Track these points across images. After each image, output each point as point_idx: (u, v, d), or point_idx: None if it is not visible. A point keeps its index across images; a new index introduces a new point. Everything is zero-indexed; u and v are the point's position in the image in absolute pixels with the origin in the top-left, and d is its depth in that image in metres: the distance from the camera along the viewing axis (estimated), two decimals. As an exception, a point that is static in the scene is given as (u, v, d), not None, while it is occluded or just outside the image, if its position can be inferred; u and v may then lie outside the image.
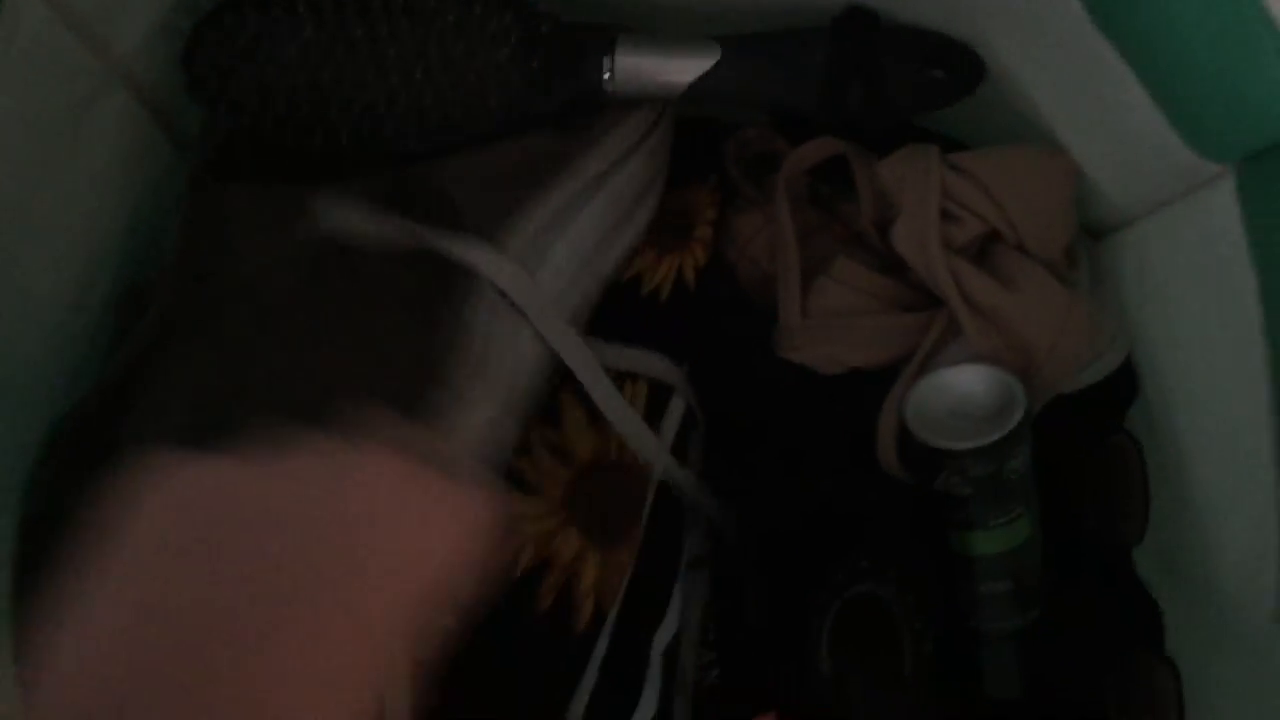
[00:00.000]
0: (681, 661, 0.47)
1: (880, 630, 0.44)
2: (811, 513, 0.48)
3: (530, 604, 0.45)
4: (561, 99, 0.44)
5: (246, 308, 0.42)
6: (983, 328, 0.42)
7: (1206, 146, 0.35)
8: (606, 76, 0.44)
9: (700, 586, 0.49)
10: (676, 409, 0.48)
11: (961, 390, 0.42)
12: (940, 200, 0.42)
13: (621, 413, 0.45)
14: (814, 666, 0.45)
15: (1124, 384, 0.45)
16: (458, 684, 0.43)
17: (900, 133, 0.48)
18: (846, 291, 0.46)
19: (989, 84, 0.43)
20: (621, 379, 0.47)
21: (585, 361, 0.45)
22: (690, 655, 0.48)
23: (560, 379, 0.47)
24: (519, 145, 0.45)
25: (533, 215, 0.45)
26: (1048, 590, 0.46)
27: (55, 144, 0.40)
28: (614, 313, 0.48)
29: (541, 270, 0.45)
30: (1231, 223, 0.35)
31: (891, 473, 0.45)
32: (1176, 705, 0.44)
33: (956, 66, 0.43)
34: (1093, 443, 0.47)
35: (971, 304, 0.42)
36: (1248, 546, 0.37)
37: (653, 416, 0.47)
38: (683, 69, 0.44)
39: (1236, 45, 0.31)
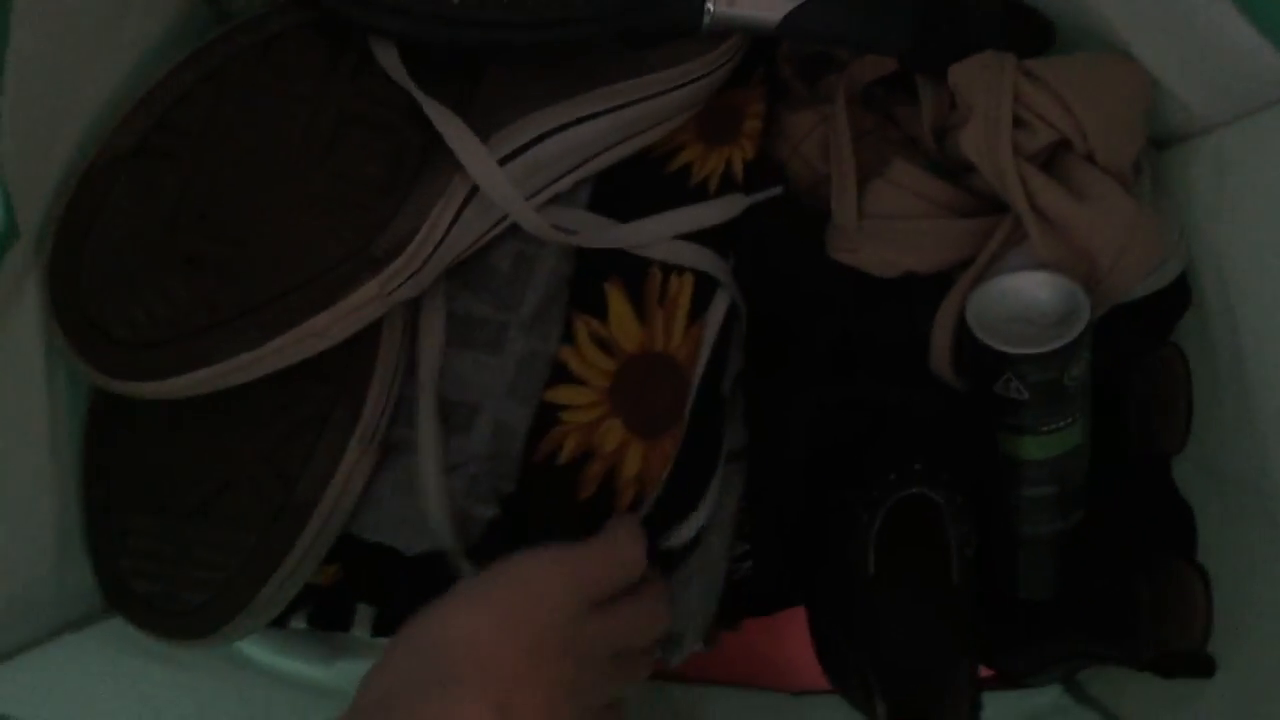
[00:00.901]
0: (711, 550, 0.48)
1: (928, 533, 0.45)
2: (856, 413, 0.48)
3: (573, 492, 0.46)
4: (654, 20, 0.43)
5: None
6: (1049, 236, 0.42)
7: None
8: (710, 4, 0.44)
9: (736, 478, 0.49)
10: (721, 302, 0.48)
11: (1025, 296, 0.42)
12: (1012, 106, 0.42)
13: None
14: (858, 566, 0.45)
15: (1177, 295, 0.45)
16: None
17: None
18: (902, 194, 0.46)
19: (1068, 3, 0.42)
20: (668, 271, 0.47)
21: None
22: (721, 544, 0.48)
23: (606, 271, 0.47)
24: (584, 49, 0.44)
25: (553, 113, 0.44)
26: (1088, 496, 0.47)
27: (111, 19, 0.39)
28: (661, 201, 0.48)
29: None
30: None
31: (943, 377, 0.46)
32: (1206, 608, 0.45)
33: (1033, 24, 0.45)
34: (1141, 352, 0.47)
35: (1039, 212, 0.42)
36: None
37: (697, 309, 0.47)
38: (779, 3, 0.44)
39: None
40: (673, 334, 0.47)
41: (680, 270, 0.47)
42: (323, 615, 0.46)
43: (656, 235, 0.47)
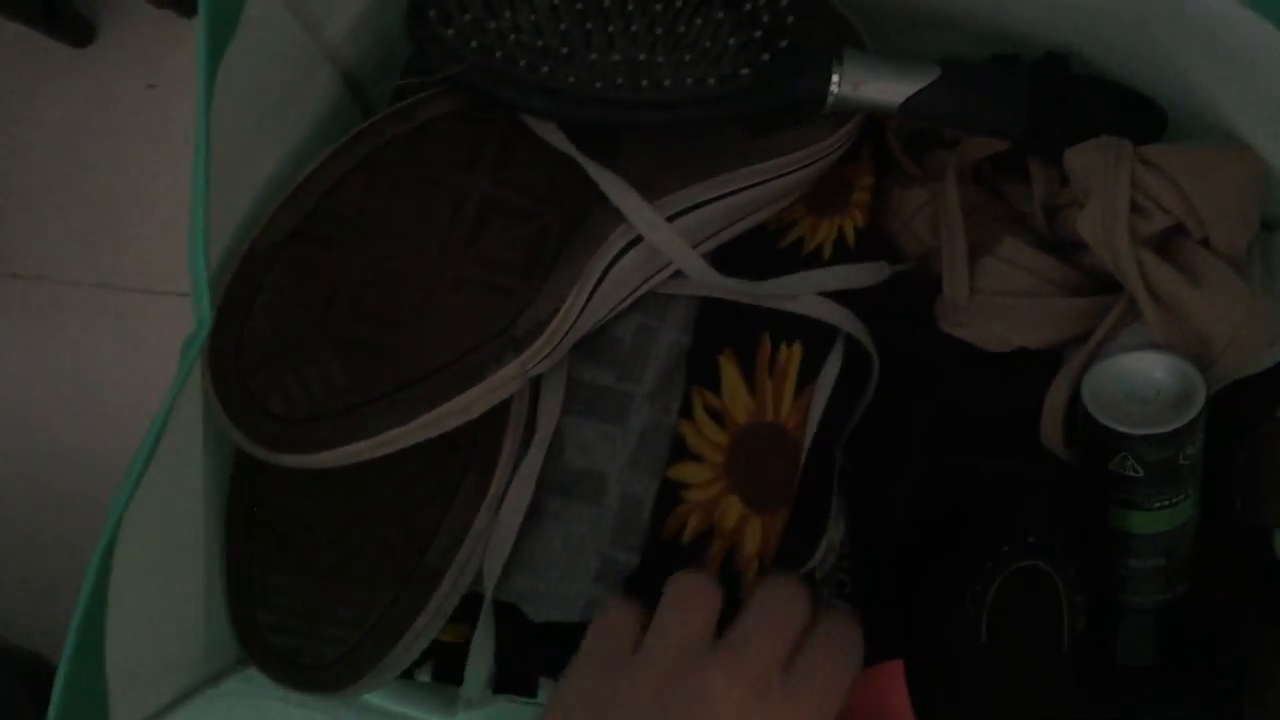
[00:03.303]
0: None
1: (1041, 603, 0.46)
2: (960, 484, 0.50)
3: None
4: (781, 100, 0.44)
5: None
6: (1164, 317, 0.43)
7: None
8: (834, 87, 0.45)
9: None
10: (831, 369, 0.49)
11: (1141, 375, 0.44)
12: (1128, 190, 0.43)
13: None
14: (970, 633, 0.47)
15: (1284, 374, 0.46)
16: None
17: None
18: (1013, 271, 0.47)
19: (1180, 90, 0.44)
20: (778, 341, 0.49)
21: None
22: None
23: (721, 344, 0.49)
24: (708, 132, 0.46)
25: (685, 194, 0.46)
26: (1194, 568, 0.48)
27: (272, 113, 0.42)
28: (775, 269, 0.49)
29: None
30: None
31: (1054, 451, 0.47)
32: (1307, 683, 0.46)
33: (1146, 113, 0.46)
34: (1246, 427, 0.48)
35: (1154, 294, 0.43)
36: None
37: (805, 377, 0.48)
38: (900, 88, 0.45)
39: None
40: (782, 402, 0.48)
41: (790, 340, 0.49)
42: (447, 670, 0.48)
43: (810, 287, 0.49)
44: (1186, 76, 0.42)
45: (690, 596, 0.40)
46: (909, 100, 0.46)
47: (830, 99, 0.46)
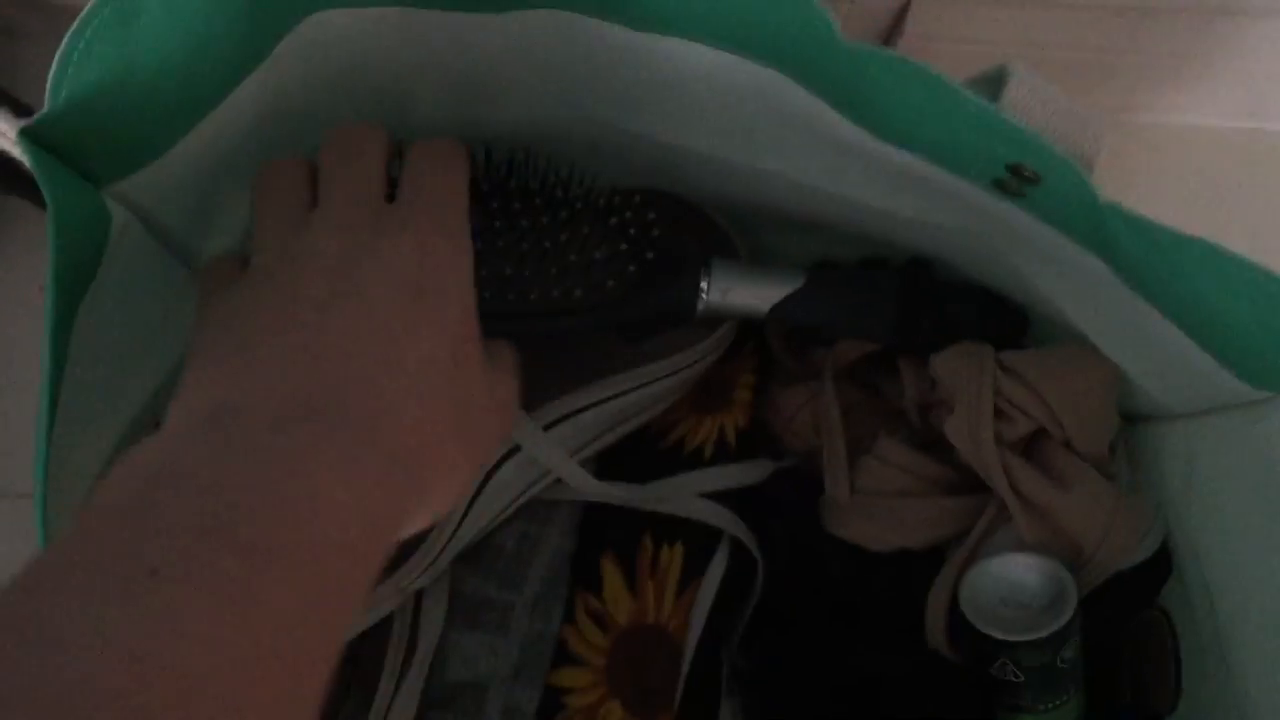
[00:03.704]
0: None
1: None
2: (856, 685, 0.49)
3: None
4: (650, 309, 0.45)
5: None
6: (1034, 521, 0.44)
7: (1257, 380, 0.37)
8: (702, 295, 0.46)
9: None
10: (716, 569, 0.49)
11: (1014, 579, 0.44)
12: (992, 398, 0.44)
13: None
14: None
15: (1159, 564, 0.47)
16: None
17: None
18: (890, 470, 0.48)
19: (1034, 300, 0.45)
20: (659, 542, 0.49)
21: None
22: None
23: (603, 546, 0.49)
24: (584, 339, 0.47)
25: (561, 402, 0.47)
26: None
27: (153, 339, 0.43)
28: (656, 470, 0.50)
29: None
30: (1284, 441, 0.37)
31: (941, 651, 0.47)
32: None
33: (1008, 315, 0.48)
34: (1128, 617, 0.49)
35: (1023, 498, 0.44)
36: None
37: (687, 578, 0.48)
38: (768, 294, 0.47)
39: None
40: (664, 603, 0.48)
41: (671, 541, 0.49)
42: None
43: (689, 489, 0.49)
44: (1037, 289, 0.44)
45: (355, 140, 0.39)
46: (776, 306, 0.47)
47: (700, 307, 0.47)
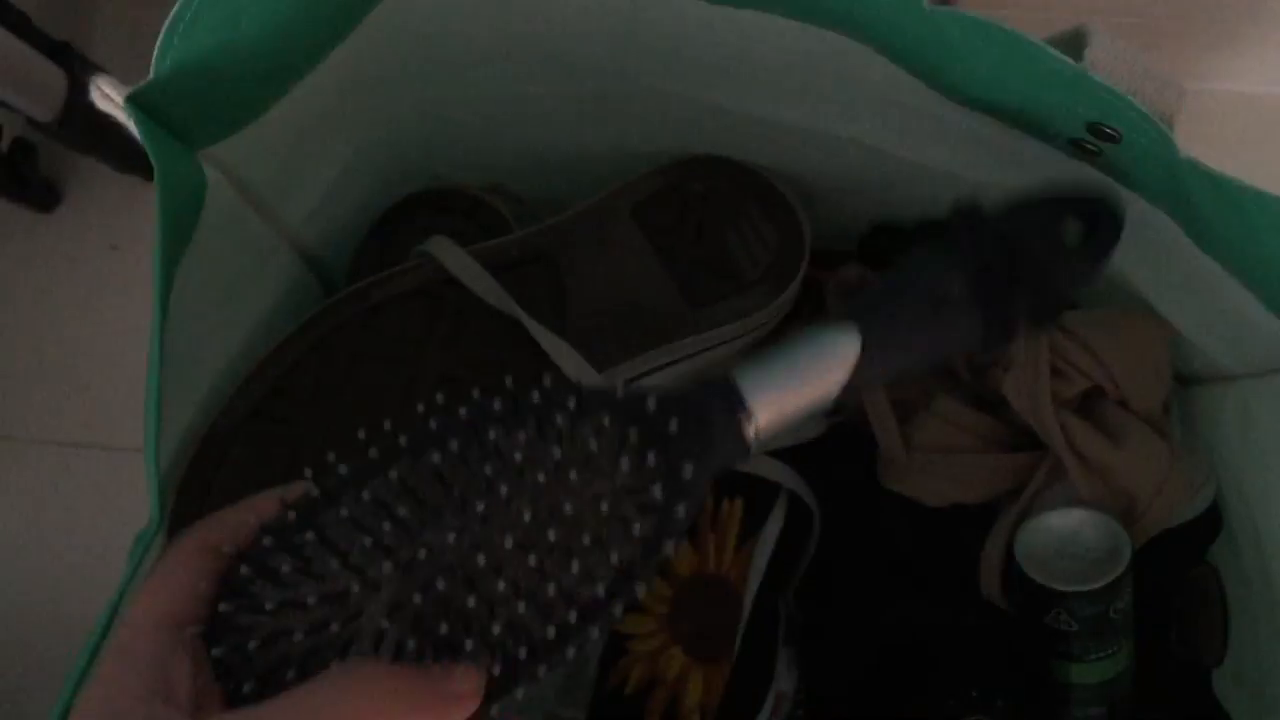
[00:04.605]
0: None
1: (986, 754, 0.47)
2: (908, 635, 0.51)
3: None
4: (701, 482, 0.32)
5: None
6: (1089, 477, 0.45)
7: (1318, 339, 0.38)
8: (751, 438, 0.33)
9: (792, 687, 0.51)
10: (775, 523, 0.51)
11: (1070, 532, 0.45)
12: (1049, 357, 0.45)
13: None
14: (920, 785, 0.48)
15: (1210, 521, 0.48)
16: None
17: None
18: (948, 427, 0.49)
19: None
20: (720, 496, 0.50)
21: None
22: None
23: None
24: (651, 303, 0.48)
25: (632, 364, 0.48)
26: (1136, 710, 0.49)
27: (234, 295, 0.44)
28: None
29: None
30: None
31: (995, 602, 0.48)
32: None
33: (1096, 219, 0.36)
34: (1178, 572, 0.50)
35: (1078, 455, 0.45)
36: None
37: (747, 531, 0.50)
38: (825, 378, 0.34)
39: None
40: (724, 555, 0.50)
41: (732, 495, 0.50)
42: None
43: None
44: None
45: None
46: (845, 389, 0.34)
47: (752, 450, 0.34)
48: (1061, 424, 0.45)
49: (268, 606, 0.29)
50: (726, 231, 0.51)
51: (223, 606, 0.30)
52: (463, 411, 0.33)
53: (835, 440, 0.52)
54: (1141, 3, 0.67)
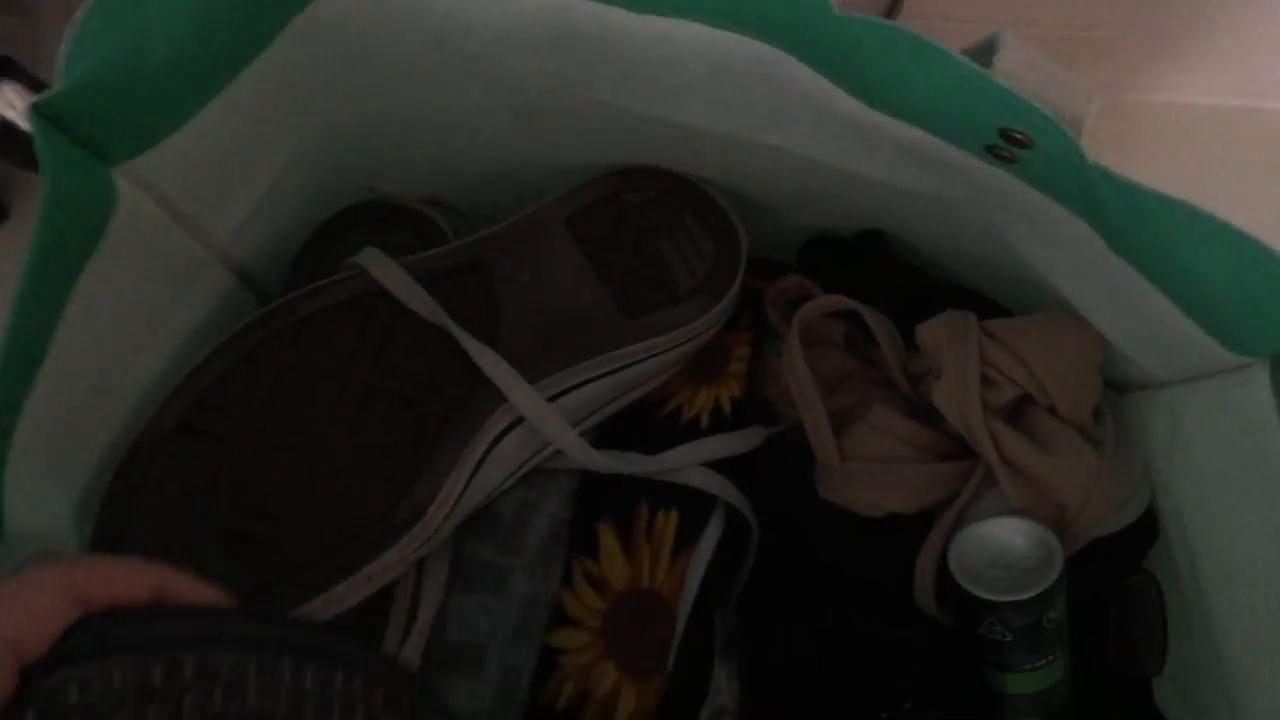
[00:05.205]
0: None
1: (921, 767, 0.47)
2: (847, 648, 0.51)
3: None
4: None
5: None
6: (1020, 486, 0.45)
7: (1237, 346, 0.38)
8: None
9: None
10: (711, 536, 0.50)
11: (1002, 542, 0.45)
12: (978, 365, 0.45)
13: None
14: (857, 799, 0.47)
15: (1145, 528, 0.48)
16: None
17: (929, 291, 0.52)
18: (883, 438, 0.49)
19: (1021, 268, 0.46)
20: (655, 509, 0.50)
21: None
22: None
23: (600, 513, 0.50)
24: (586, 314, 0.48)
25: (564, 375, 0.48)
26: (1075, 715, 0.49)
27: (160, 312, 0.44)
28: (654, 439, 0.51)
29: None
30: (1265, 406, 0.38)
31: (930, 614, 0.48)
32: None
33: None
34: (1114, 580, 0.50)
35: (1009, 463, 0.45)
36: (1272, 690, 0.40)
37: (681, 544, 0.50)
38: None
39: (1258, 279, 0.34)
40: (659, 569, 0.49)
41: (667, 507, 0.50)
42: None
43: (688, 460, 0.50)
44: (1026, 258, 0.45)
45: None
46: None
47: None
48: (991, 432, 0.45)
49: None
50: (662, 242, 0.51)
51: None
52: None
53: (772, 452, 0.52)
54: (1084, 17, 0.68)
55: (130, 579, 0.28)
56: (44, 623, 0.26)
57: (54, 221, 0.34)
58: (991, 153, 0.38)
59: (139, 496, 0.43)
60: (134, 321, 0.43)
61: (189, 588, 0.29)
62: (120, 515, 0.43)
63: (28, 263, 0.33)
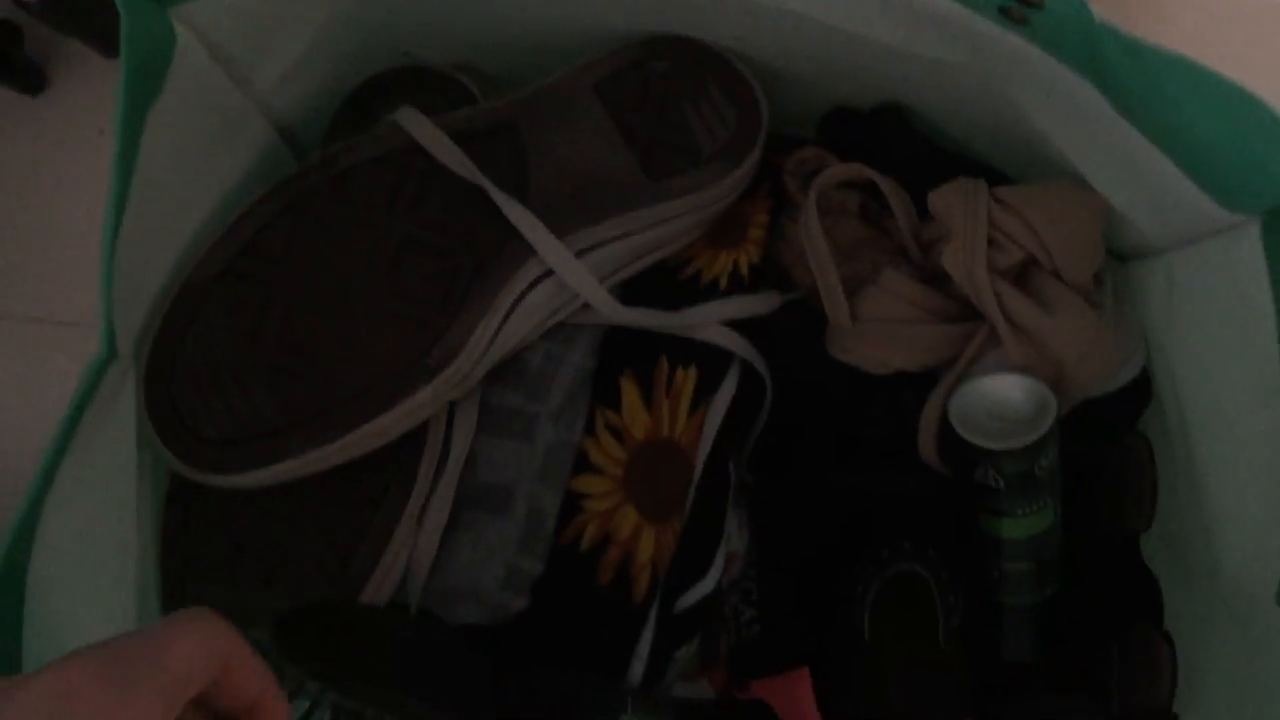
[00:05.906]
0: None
1: (917, 603, 0.50)
2: (854, 496, 0.54)
3: (592, 579, 0.50)
4: None
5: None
6: (1021, 343, 0.47)
7: (1231, 203, 0.40)
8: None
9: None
10: (726, 391, 0.53)
11: (1000, 396, 0.48)
12: (986, 229, 0.47)
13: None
14: (856, 632, 0.51)
15: (1140, 391, 0.51)
16: (526, 654, 0.48)
17: (942, 163, 0.54)
18: (893, 300, 0.52)
19: (1030, 138, 0.48)
20: (675, 364, 0.53)
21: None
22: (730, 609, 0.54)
23: (623, 366, 0.53)
24: (612, 175, 0.50)
25: (591, 232, 0.50)
26: (1064, 569, 0.52)
27: (206, 163, 0.46)
28: (675, 299, 0.53)
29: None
30: (1256, 264, 0.40)
31: (930, 464, 0.51)
32: (1171, 672, 0.50)
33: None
34: (1109, 441, 0.53)
35: (1011, 322, 0.48)
36: (1254, 545, 0.43)
37: (700, 398, 0.52)
38: None
39: (1255, 134, 0.36)
40: (677, 420, 0.52)
41: (686, 363, 0.53)
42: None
43: (708, 318, 0.52)
44: (1034, 122, 0.47)
45: None
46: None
47: None
48: (996, 292, 0.48)
49: None
50: (686, 109, 0.53)
51: None
52: None
53: (786, 314, 0.55)
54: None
55: (262, 683, 0.31)
56: (198, 682, 0.29)
57: (133, 66, 0.36)
58: (1005, 14, 0.39)
59: (188, 335, 0.46)
60: (184, 171, 0.45)
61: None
62: (172, 350, 0.46)
63: (121, 108, 0.36)
